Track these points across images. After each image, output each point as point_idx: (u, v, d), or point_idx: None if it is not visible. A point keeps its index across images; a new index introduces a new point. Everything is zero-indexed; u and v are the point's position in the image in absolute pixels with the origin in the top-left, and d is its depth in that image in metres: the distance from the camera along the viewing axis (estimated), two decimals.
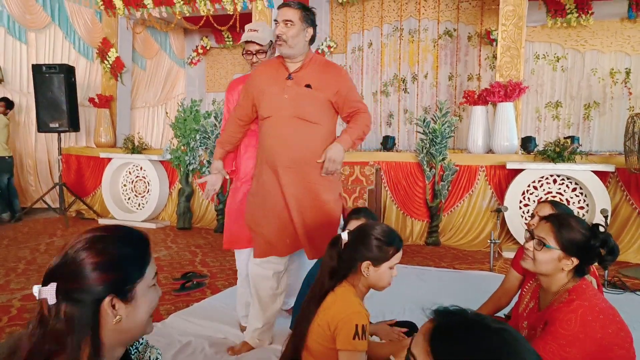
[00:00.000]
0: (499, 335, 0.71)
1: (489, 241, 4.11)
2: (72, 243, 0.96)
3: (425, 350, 0.73)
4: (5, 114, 6.27)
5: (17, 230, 5.70)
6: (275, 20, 2.26)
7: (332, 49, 8.03)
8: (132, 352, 1.10)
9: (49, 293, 0.90)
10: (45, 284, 0.92)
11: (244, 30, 2.60)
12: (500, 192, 5.01)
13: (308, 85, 2.22)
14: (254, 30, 2.56)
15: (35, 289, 0.92)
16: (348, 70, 8.12)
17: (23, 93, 7.08)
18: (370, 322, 1.86)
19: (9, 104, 6.37)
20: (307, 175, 2.23)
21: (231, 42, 8.57)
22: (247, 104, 2.39)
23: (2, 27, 6.79)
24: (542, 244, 1.59)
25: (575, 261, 1.57)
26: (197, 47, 9.22)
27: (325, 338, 1.55)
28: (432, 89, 7.68)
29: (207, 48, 9.18)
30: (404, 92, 7.85)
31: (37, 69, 6.10)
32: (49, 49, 7.35)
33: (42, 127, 6.14)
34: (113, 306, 0.92)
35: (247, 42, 2.57)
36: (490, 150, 5.42)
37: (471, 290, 3.43)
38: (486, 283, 3.43)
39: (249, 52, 2.59)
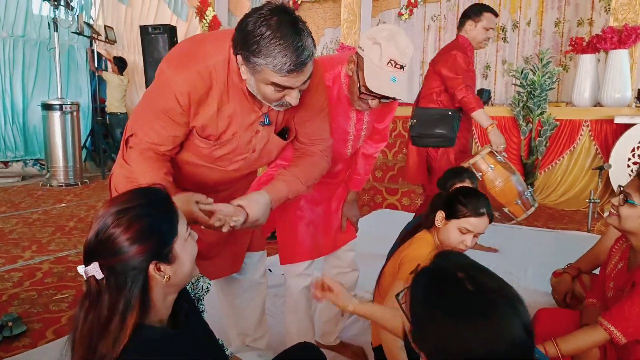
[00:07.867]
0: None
1: (587, 200, 3.86)
2: (100, 220, 0.92)
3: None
4: (120, 73, 6.86)
5: None
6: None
7: None
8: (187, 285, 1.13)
9: (95, 271, 0.89)
10: (87, 263, 0.91)
11: None
12: (606, 149, 4.62)
13: None
14: (401, 68, 1.46)
15: (80, 269, 0.91)
16: (443, 20, 7.74)
17: (129, 52, 7.66)
18: None
19: (122, 64, 6.94)
20: None
21: None
22: None
23: None
24: (625, 199, 1.50)
25: None
26: (288, 1, 9.25)
27: (393, 274, 1.61)
28: (536, 37, 7.07)
29: (299, 3, 9.20)
30: (503, 41, 7.32)
31: (144, 30, 6.52)
32: (146, 9, 7.84)
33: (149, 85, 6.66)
34: (158, 269, 0.94)
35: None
36: (597, 104, 4.97)
37: (564, 250, 3.27)
38: (582, 244, 3.24)
39: (374, 97, 1.54)
